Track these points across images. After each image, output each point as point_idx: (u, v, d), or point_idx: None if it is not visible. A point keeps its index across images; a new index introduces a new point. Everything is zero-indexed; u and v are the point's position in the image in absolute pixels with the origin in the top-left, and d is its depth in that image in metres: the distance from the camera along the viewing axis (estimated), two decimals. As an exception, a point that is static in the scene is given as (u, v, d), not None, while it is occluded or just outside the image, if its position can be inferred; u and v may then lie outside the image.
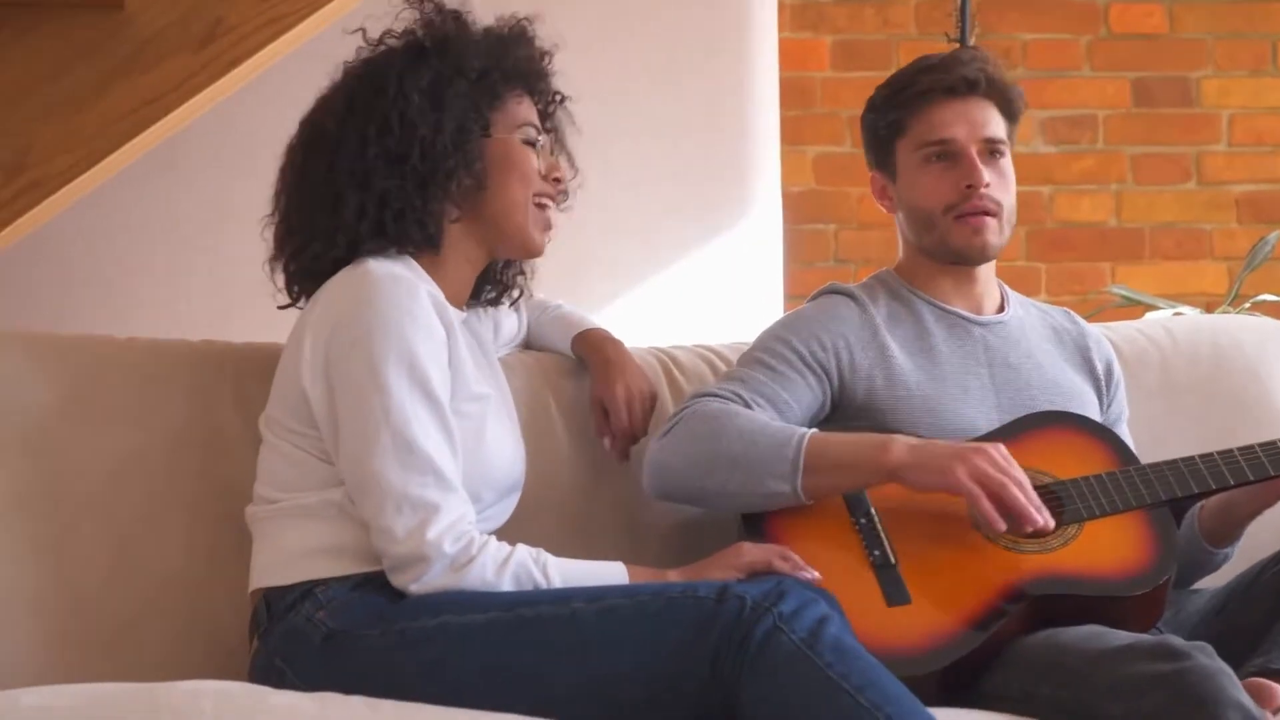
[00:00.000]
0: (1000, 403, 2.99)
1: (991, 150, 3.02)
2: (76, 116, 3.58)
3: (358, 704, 2.36)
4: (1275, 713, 2.53)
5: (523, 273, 2.99)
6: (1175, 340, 3.42)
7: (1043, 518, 2.70)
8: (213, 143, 4.20)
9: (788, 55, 5.39)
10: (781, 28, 5.42)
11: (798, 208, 5.37)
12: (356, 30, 2.79)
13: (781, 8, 5.44)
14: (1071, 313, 3.21)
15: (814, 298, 3.11)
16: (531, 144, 2.81)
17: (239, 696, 2.35)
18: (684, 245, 4.64)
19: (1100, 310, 4.87)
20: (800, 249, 5.37)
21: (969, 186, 2.99)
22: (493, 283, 2.96)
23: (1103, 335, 3.21)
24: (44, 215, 3.65)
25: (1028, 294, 3.24)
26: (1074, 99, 5.63)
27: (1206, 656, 2.45)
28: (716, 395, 2.88)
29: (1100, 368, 3.13)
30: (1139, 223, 5.62)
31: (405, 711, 2.37)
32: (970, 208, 2.99)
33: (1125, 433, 3.14)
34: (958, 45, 4.67)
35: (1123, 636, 2.58)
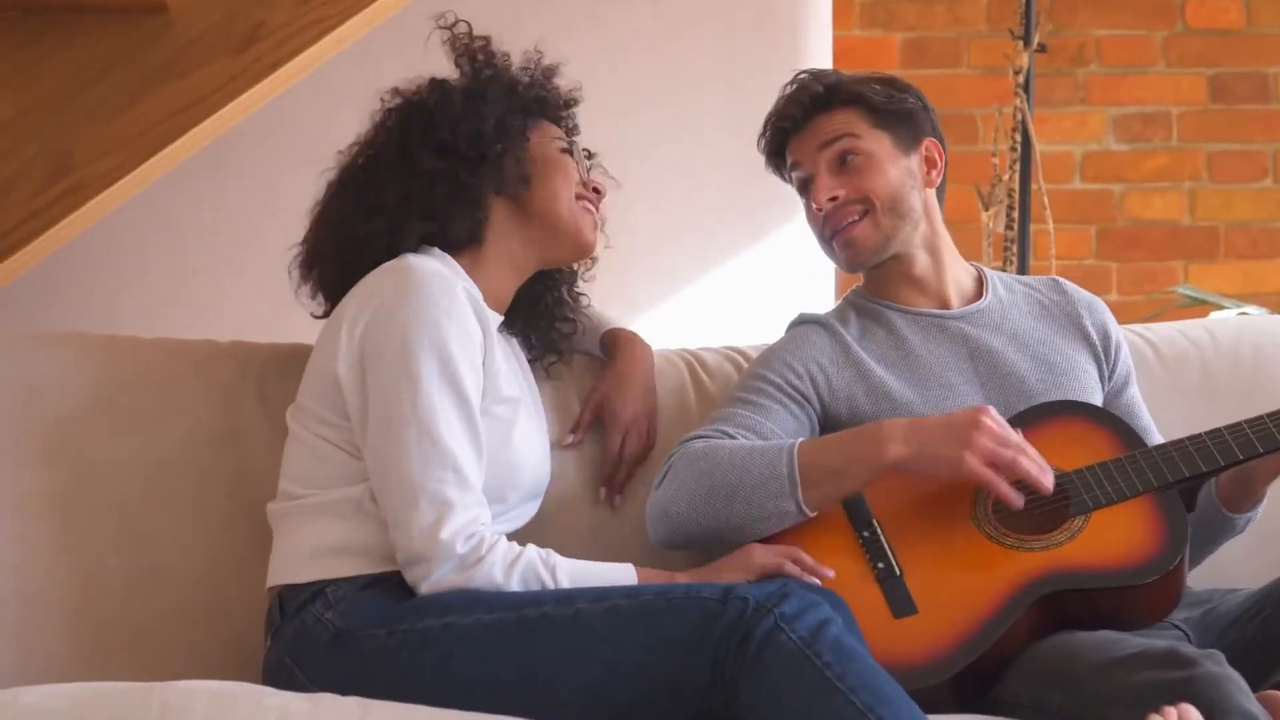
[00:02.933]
0: (988, 392, 2.96)
1: (838, 154, 3.01)
2: (118, 120, 3.60)
3: (351, 705, 2.37)
4: None
5: (570, 318, 3.03)
6: (1216, 341, 3.37)
7: (1047, 479, 2.70)
8: (259, 144, 4.22)
9: (857, 53, 5.36)
10: (851, 25, 5.41)
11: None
12: (390, 90, 2.86)
13: (851, 5, 5.43)
14: (1061, 281, 3.17)
15: (786, 331, 3.11)
16: (569, 152, 2.87)
17: (235, 696, 2.35)
18: (734, 246, 4.63)
19: (1165, 310, 4.81)
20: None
21: (818, 210, 3.00)
22: (546, 317, 3.00)
23: (1096, 299, 3.16)
24: (89, 218, 3.68)
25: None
26: (1148, 96, 5.56)
27: (1215, 664, 2.41)
28: (701, 436, 2.87)
29: (1095, 334, 3.08)
30: (1213, 221, 5.55)
31: (399, 713, 2.36)
32: (828, 231, 3.02)
33: (1136, 394, 3.10)
34: (1022, 42, 4.61)
35: (1134, 644, 2.53)
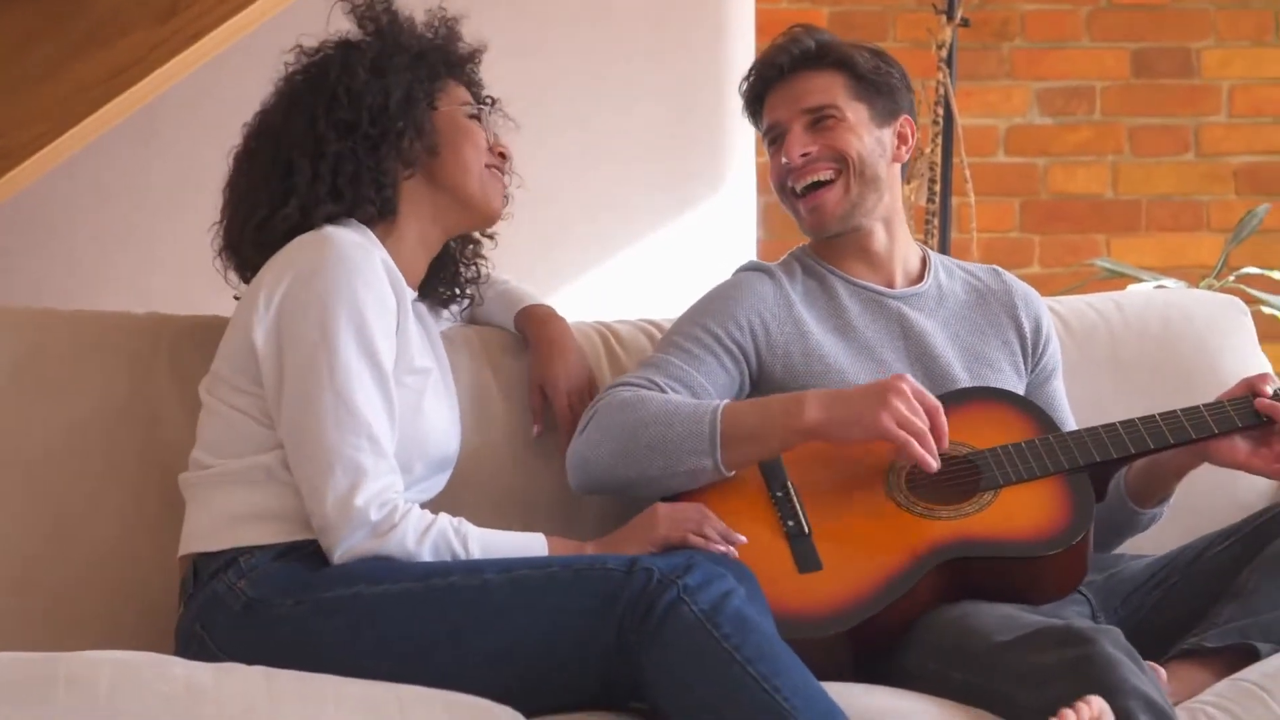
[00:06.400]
0: (914, 372, 2.99)
1: (816, 119, 3.03)
2: (41, 89, 3.62)
3: (255, 674, 2.38)
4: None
5: (475, 279, 3.04)
6: (1125, 315, 3.41)
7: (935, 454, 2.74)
8: (188, 113, 4.23)
9: (784, 26, 5.36)
10: (779, -2, 5.43)
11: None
12: (293, 49, 2.85)
13: (779, -22, 5.44)
14: (999, 270, 3.21)
15: (734, 274, 3.12)
16: (477, 118, 2.88)
17: (140, 666, 2.35)
18: (657, 218, 4.65)
19: (1085, 283, 4.85)
20: (783, 221, 5.39)
21: (786, 163, 3.02)
22: (447, 281, 3.01)
23: (1033, 291, 3.20)
24: (13, 187, 3.70)
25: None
26: (1072, 70, 5.60)
27: (1110, 643, 2.46)
28: (630, 384, 2.90)
29: (1028, 325, 3.12)
30: (1135, 195, 5.60)
31: (301, 681, 2.38)
32: (797, 187, 3.03)
33: (1059, 388, 3.15)
34: (945, 16, 4.66)
35: (1030, 621, 2.59)
